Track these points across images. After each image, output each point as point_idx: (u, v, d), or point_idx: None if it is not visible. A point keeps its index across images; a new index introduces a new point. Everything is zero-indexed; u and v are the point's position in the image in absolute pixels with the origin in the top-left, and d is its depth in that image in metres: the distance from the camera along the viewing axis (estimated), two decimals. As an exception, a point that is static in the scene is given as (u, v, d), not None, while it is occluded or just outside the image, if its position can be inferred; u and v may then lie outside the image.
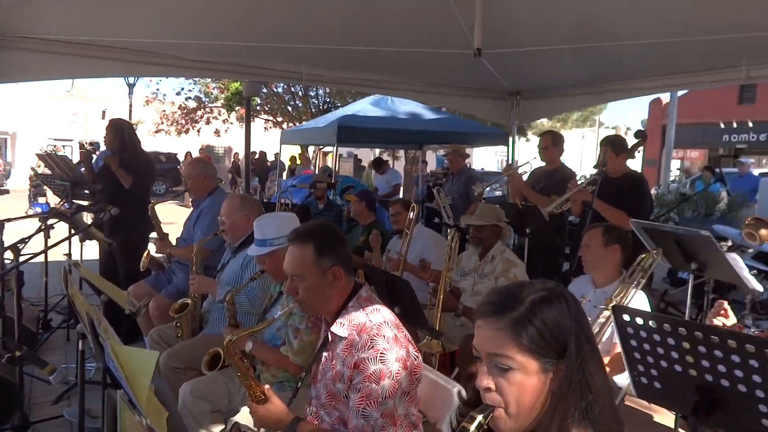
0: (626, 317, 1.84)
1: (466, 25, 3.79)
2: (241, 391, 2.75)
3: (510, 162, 7.28)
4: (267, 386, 2.00)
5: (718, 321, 2.31)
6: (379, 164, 10.54)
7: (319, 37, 4.76)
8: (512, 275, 3.65)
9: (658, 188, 12.34)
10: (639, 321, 1.80)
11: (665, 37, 4.28)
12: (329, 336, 2.00)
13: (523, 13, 4.10)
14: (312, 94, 19.88)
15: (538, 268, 4.40)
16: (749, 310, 4.41)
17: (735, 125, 21.84)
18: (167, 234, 4.28)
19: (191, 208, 4.48)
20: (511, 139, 7.47)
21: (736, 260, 3.14)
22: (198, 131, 22.82)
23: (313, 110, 19.61)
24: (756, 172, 17.14)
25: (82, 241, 4.42)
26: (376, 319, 1.92)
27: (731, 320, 2.32)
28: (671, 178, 15.71)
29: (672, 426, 3.69)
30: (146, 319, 3.81)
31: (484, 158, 31.85)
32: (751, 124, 21.38)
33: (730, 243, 5.18)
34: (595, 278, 3.23)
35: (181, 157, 22.48)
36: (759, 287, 3.20)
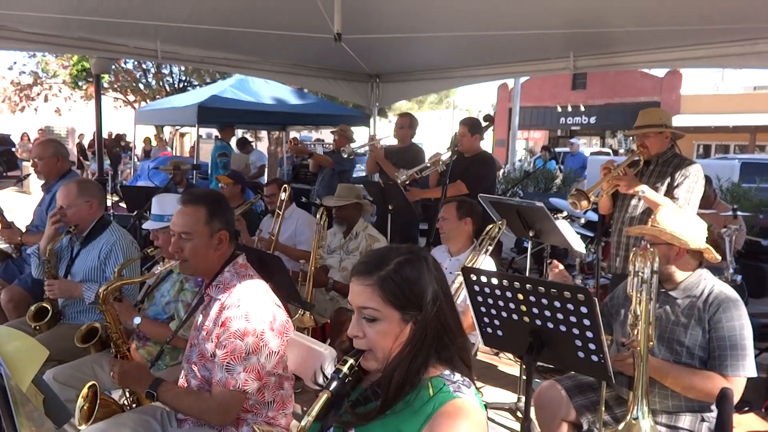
0: (473, 277, 2.14)
1: (326, 11, 3.91)
2: (110, 375, 2.73)
3: (375, 135, 7.60)
4: (134, 346, 2.07)
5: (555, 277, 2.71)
6: (243, 144, 10.35)
7: (175, 14, 4.62)
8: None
9: (505, 166, 13.42)
10: (483, 279, 2.09)
11: (506, 30, 4.73)
12: (204, 297, 2.11)
13: (378, 1, 4.31)
14: (166, 71, 18.85)
15: (396, 240, 4.72)
16: (578, 270, 5.10)
17: (570, 109, 24.23)
18: (12, 222, 3.97)
19: (32, 195, 4.15)
20: (372, 120, 7.76)
21: (565, 227, 3.64)
22: (35, 110, 20.69)
23: (168, 88, 18.63)
24: (588, 151, 19.21)
25: None
26: (247, 283, 2.06)
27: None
28: (518, 157, 17.12)
29: (510, 372, 4.21)
30: (-4, 313, 3.55)
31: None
32: (583, 109, 23.87)
33: (565, 213, 5.89)
34: (450, 248, 3.58)
35: (15, 139, 20.23)
36: (582, 249, 3.73)
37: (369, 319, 1.37)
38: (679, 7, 4.02)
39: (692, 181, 3.29)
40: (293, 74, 6.81)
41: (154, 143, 16.97)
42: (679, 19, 4.20)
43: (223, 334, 1.94)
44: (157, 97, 18.43)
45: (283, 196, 4.32)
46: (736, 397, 2.22)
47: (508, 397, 3.81)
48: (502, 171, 11.60)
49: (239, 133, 15.14)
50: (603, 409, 2.42)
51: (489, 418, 3.38)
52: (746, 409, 3.48)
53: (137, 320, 2.55)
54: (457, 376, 1.37)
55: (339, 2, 3.82)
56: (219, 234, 2.09)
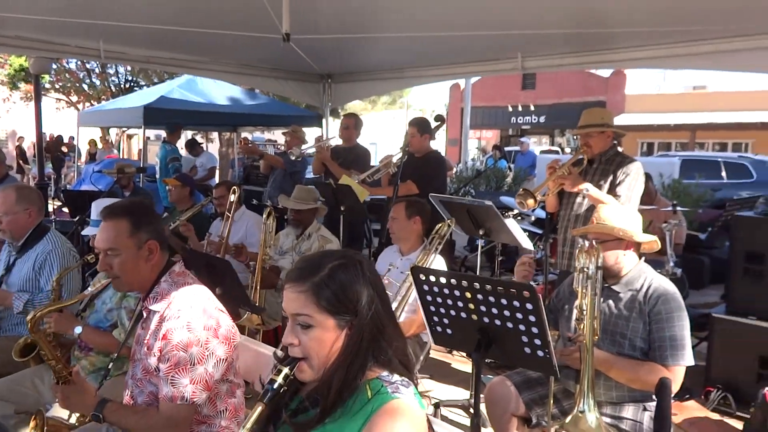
0: (422, 276, 2.15)
1: (273, 11, 3.87)
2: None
3: (322, 136, 7.62)
4: (76, 368, 1.99)
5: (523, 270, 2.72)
6: (192, 146, 10.14)
7: (118, 12, 4.49)
8: (328, 250, 3.88)
9: (458, 165, 13.58)
10: (432, 278, 2.11)
11: (455, 31, 4.79)
12: (143, 312, 2.04)
13: (329, 1, 4.29)
14: (111, 71, 18.30)
15: (346, 240, 4.73)
16: (528, 267, 5.19)
17: (520, 108, 24.74)
18: None
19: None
20: (324, 121, 7.74)
21: (513, 225, 3.71)
22: (-29, 112, 19.78)
23: (114, 89, 18.09)
24: (538, 149, 19.65)
25: None
26: (187, 292, 1.99)
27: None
28: (470, 157, 17.36)
29: (463, 370, 4.26)
30: None
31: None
32: (532, 108, 24.41)
33: (515, 211, 6.00)
34: (401, 247, 3.59)
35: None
36: (530, 246, 3.81)
37: (303, 326, 1.35)
38: (621, 9, 4.16)
39: (633, 179, 3.40)
40: (243, 74, 6.72)
41: (99, 146, 16.40)
42: (623, 21, 4.34)
43: (166, 347, 1.88)
44: (102, 97, 17.88)
45: (232, 198, 4.25)
46: (677, 385, 2.32)
47: (462, 394, 3.85)
48: (454, 170, 11.71)
49: (189, 134, 14.85)
50: (552, 402, 2.48)
51: (442, 416, 3.42)
52: (687, 396, 3.62)
53: (78, 330, 2.45)
54: (396, 377, 1.36)
55: (287, 2, 3.79)
56: (148, 244, 2.01)
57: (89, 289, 2.18)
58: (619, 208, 2.62)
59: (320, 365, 1.35)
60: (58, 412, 2.38)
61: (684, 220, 5.24)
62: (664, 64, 5.73)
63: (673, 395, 2.39)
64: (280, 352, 1.44)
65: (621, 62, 5.89)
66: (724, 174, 11.60)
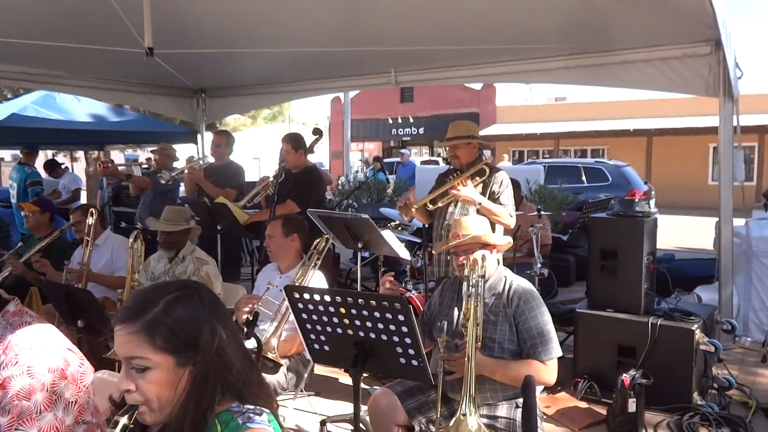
0: (296, 294, 2.13)
1: (133, 25, 3.68)
2: None
3: (194, 156, 7.37)
4: None
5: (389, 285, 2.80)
6: (52, 167, 9.36)
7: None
8: (204, 273, 3.70)
9: (339, 178, 13.66)
10: (306, 296, 2.10)
11: (327, 47, 4.84)
12: None
13: (196, 14, 4.17)
14: (-46, 86, 16.48)
15: (224, 261, 4.59)
16: (409, 276, 5.32)
17: (400, 120, 25.46)
18: None
19: None
20: (199, 136, 7.48)
21: (389, 236, 3.78)
22: None
23: (-42, 106, 16.29)
24: (418, 160, 20.26)
25: None
26: (24, 333, 1.80)
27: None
28: (354, 169, 17.52)
29: (350, 383, 4.25)
30: None
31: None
32: (412, 120, 25.20)
33: (396, 222, 6.11)
34: (280, 265, 3.52)
35: None
36: (408, 257, 3.91)
37: (139, 369, 1.22)
38: (487, 27, 4.43)
39: (505, 187, 3.64)
40: (106, 90, 6.35)
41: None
42: (488, 38, 4.62)
43: (5, 398, 1.67)
44: (-55, 115, 16.03)
45: (90, 221, 3.95)
46: (554, 376, 2.50)
47: (350, 408, 3.83)
48: (336, 183, 11.70)
49: (49, 154, 13.75)
50: (439, 408, 2.52)
51: (328, 432, 3.39)
52: (558, 388, 3.87)
53: None
54: (247, 406, 1.29)
55: (148, 16, 3.61)
56: None
57: None
58: (473, 216, 2.90)
59: (162, 408, 1.24)
60: None
61: (549, 223, 5.62)
62: (526, 78, 6.17)
63: (549, 387, 2.55)
64: (115, 394, 1.31)
65: (487, 77, 6.25)
66: (584, 178, 12.66)
